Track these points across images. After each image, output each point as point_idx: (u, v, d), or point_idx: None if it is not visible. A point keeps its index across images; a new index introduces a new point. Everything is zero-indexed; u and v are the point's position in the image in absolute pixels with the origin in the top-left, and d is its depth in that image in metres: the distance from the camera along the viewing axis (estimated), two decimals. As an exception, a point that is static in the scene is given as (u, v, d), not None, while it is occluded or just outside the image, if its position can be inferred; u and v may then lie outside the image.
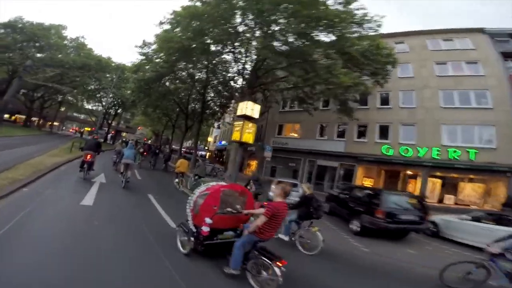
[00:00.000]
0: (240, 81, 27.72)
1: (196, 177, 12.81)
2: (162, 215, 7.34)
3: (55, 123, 66.99)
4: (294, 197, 8.58)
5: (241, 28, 14.65)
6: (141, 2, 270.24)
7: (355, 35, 14.46)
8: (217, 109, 29.34)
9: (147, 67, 21.49)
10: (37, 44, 35.74)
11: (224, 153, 42.24)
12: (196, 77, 24.19)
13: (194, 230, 4.39)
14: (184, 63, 20.77)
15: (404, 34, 22.96)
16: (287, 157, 24.95)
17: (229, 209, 4.53)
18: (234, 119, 33.50)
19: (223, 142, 43.83)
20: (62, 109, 63.25)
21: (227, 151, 40.63)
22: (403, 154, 19.69)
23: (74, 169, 11.07)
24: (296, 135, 25.66)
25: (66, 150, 16.52)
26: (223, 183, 5.24)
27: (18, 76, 20.83)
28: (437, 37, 21.64)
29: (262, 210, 4.07)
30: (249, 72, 18.94)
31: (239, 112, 15.08)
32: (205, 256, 4.46)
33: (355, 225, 9.15)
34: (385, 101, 21.44)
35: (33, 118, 52.18)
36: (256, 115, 15.01)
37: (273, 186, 10.91)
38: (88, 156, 9.57)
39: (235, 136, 14.97)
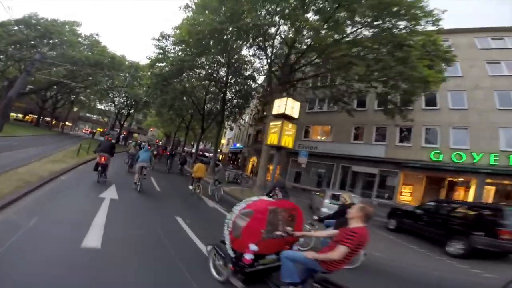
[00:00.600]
0: (260, 80, 25.43)
1: (216, 182, 11.55)
2: (185, 229, 5.97)
3: (68, 123, 65.83)
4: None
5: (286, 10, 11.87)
6: (146, 2, 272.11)
7: (414, 27, 11.79)
8: (236, 109, 26.77)
9: (163, 63, 19.16)
10: (50, 42, 33.91)
11: (239, 156, 39.50)
12: (215, 75, 21.66)
13: (233, 255, 3.60)
14: (205, 57, 18.35)
15: (449, 31, 20.03)
16: (316, 162, 22.11)
17: (279, 233, 3.67)
18: (253, 120, 31.31)
19: (238, 145, 41.19)
20: (75, 109, 61.82)
21: (242, 154, 37.98)
22: (455, 160, 16.85)
23: (79, 180, 8.93)
24: (326, 138, 22.76)
25: (72, 153, 13.92)
26: (266, 199, 4.10)
27: (25, 71, 18.60)
28: (484, 36, 19.15)
29: (331, 232, 3.44)
30: (277, 67, 16.33)
31: (275, 111, 12.43)
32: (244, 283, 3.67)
33: (454, 247, 7.90)
34: (431, 101, 18.53)
35: (47, 118, 50.85)
36: (296, 114, 12.38)
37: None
38: (103, 159, 8.81)
39: (272, 139, 12.31)
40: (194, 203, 9.68)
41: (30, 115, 49.83)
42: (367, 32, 12.69)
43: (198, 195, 10.53)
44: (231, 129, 48.84)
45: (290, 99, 12.25)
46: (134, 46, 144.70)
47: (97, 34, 38.05)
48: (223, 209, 9.04)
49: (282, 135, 11.85)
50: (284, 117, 12.03)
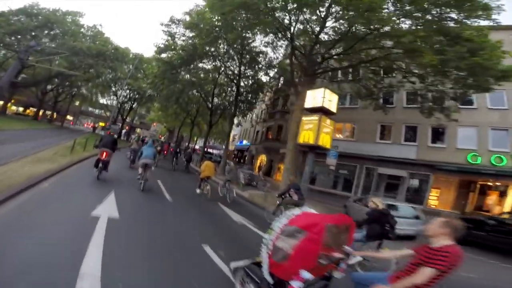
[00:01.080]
0: (271, 73, 23.23)
1: (228, 183, 10.68)
2: (221, 267, 4.08)
3: (69, 117, 63.78)
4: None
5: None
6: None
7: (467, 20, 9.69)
8: (246, 104, 24.73)
9: (171, 52, 17.09)
10: (51, 32, 31.71)
11: (246, 154, 37.45)
12: (227, 65, 19.57)
13: (271, 281, 2.81)
14: (216, 46, 16.31)
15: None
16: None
17: (338, 255, 2.77)
18: (262, 116, 29.30)
19: (245, 142, 39.14)
20: (77, 103, 59.69)
21: (249, 151, 35.96)
22: (494, 163, 14.91)
23: (68, 187, 6.92)
24: (348, 137, 20.69)
25: (66, 150, 11.71)
26: (311, 211, 3.05)
27: (17, 58, 16.50)
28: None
29: (405, 252, 2.81)
30: (300, 56, 14.23)
31: (309, 104, 10.44)
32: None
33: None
34: (467, 100, 16.45)
35: (48, 112, 48.76)
36: (334, 108, 10.36)
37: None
38: (104, 154, 8.18)
39: (305, 137, 10.33)
40: (215, 216, 7.79)
41: (31, 108, 47.82)
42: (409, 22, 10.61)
43: (206, 196, 9.46)
44: (238, 125, 46.83)
45: (327, 90, 10.24)
46: (137, 42, 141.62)
47: (100, 25, 35.96)
48: (255, 227, 7.14)
49: (319, 133, 9.80)
50: (321, 111, 9.99)
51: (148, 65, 30.78)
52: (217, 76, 23.69)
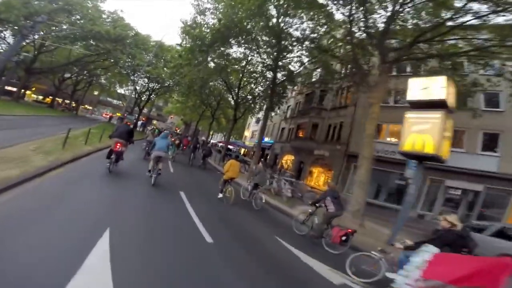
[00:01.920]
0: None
1: (254, 187, 9.14)
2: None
3: (88, 107, 62.42)
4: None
5: None
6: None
7: None
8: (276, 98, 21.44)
9: (198, 30, 13.93)
10: (72, 18, 29.01)
11: (268, 152, 34.10)
12: (262, 49, 16.21)
13: None
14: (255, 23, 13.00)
15: None
16: (388, 171, 16.63)
17: None
18: (293, 113, 25.74)
19: (267, 139, 35.73)
20: (95, 92, 57.98)
21: (272, 150, 32.61)
22: None
23: (35, 211, 3.81)
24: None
25: (54, 145, 8.40)
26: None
27: (20, 34, 13.82)
28: None
29: None
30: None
31: (415, 96, 6.98)
32: None
33: None
34: None
35: (66, 101, 47.12)
36: (452, 100, 6.78)
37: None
38: (118, 145, 7.17)
39: (416, 142, 6.86)
40: (261, 243, 5.45)
41: (50, 97, 46.59)
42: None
43: (228, 200, 8.01)
44: (258, 121, 43.58)
45: (443, 78, 6.72)
46: (160, 31, 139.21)
47: (121, 10, 33.35)
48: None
49: (441, 137, 6.38)
50: (441, 107, 6.54)
51: (170, 52, 27.89)
52: (245, 64, 20.49)
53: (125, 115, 24.34)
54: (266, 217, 7.91)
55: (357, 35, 11.70)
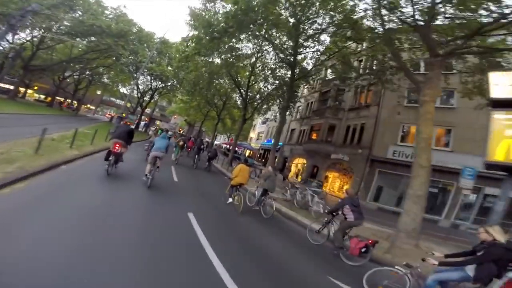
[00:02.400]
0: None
1: (262, 194, 7.98)
2: None
3: (91, 106, 60.91)
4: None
5: None
6: None
7: None
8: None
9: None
10: (74, 14, 27.16)
11: (276, 155, 32.07)
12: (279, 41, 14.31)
13: None
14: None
15: None
16: None
17: None
18: (307, 113, 23.58)
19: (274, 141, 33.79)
20: (98, 92, 56.32)
21: (281, 152, 30.57)
22: None
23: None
24: (440, 145, 15.03)
25: (33, 148, 6.49)
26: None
27: (7, 24, 12.06)
28: None
29: None
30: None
31: (499, 94, 5.16)
32: None
33: None
34: None
35: (68, 100, 45.52)
36: None
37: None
38: (117, 146, 6.67)
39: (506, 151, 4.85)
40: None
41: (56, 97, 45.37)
42: None
43: (237, 208, 7.25)
44: (265, 122, 41.63)
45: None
46: (163, 29, 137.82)
47: (124, 6, 31.40)
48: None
49: None
50: None
51: (174, 48, 26.05)
52: (255, 59, 18.68)
53: (125, 115, 22.50)
54: (278, 228, 7.01)
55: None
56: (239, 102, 30.64)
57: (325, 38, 15.85)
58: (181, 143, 14.50)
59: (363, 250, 5.05)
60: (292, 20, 12.43)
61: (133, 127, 9.24)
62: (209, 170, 14.69)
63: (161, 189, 7.12)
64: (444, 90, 14.18)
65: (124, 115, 35.24)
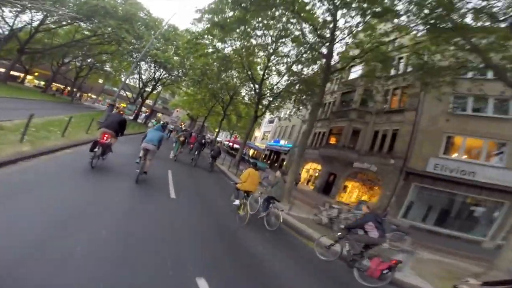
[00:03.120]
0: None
1: (267, 200, 6.94)
2: None
3: (92, 96, 58.34)
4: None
5: None
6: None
7: None
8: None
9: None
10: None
11: (284, 158, 29.59)
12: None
13: None
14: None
15: None
16: (459, 194, 12.67)
17: None
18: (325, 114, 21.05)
19: (283, 142, 31.26)
20: (100, 81, 53.52)
21: (289, 155, 28.04)
22: None
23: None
24: (491, 160, 12.61)
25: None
26: None
27: None
28: None
29: None
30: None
31: None
32: None
33: None
34: None
35: (68, 88, 42.96)
36: None
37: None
38: (105, 137, 5.90)
39: None
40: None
41: (53, 83, 42.97)
42: None
43: (242, 219, 6.08)
44: (272, 121, 39.03)
45: None
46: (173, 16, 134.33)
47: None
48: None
49: None
50: None
51: (182, 37, 23.41)
52: (273, 50, 16.21)
53: (124, 105, 19.94)
54: (286, 244, 6.03)
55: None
56: (246, 98, 28.08)
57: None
58: (181, 138, 12.53)
59: (384, 271, 4.50)
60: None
61: (125, 117, 7.89)
62: (211, 170, 13.19)
63: (151, 189, 6.18)
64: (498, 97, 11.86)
65: (123, 105, 32.73)
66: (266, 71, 18.05)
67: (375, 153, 16.22)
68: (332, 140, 19.81)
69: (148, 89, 33.95)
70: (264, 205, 7.01)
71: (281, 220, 6.52)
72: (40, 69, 39.28)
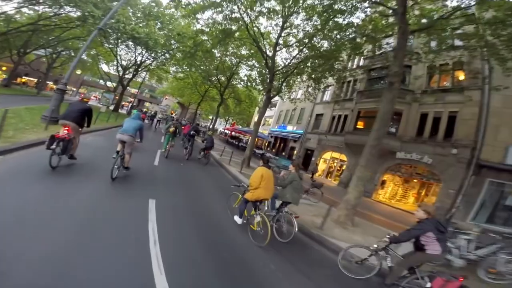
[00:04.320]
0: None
1: (283, 206, 5.17)
2: None
3: (73, 88, 52.23)
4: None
5: None
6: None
7: None
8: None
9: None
10: None
11: (295, 146, 25.87)
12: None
13: None
14: None
15: None
16: None
17: None
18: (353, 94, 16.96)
19: (290, 128, 27.42)
20: (78, 71, 47.30)
21: (300, 142, 24.30)
22: None
23: None
24: None
25: None
26: None
27: None
28: None
29: None
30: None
31: None
32: None
33: None
34: None
35: (33, 79, 37.36)
36: None
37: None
38: (66, 130, 4.92)
39: None
40: None
41: (25, 77, 38.59)
42: None
43: (256, 235, 4.43)
44: (273, 105, 34.68)
45: None
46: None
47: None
48: None
49: None
50: None
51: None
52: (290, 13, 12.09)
53: (65, 87, 15.47)
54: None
55: None
56: (251, 78, 23.77)
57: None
58: (172, 129, 10.13)
59: None
60: None
61: (90, 105, 5.87)
62: (206, 162, 11.24)
63: (128, 189, 4.99)
64: None
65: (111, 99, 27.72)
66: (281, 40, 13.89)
67: (425, 140, 12.66)
68: (360, 125, 16.13)
69: (130, 76, 28.70)
70: (272, 205, 5.59)
71: (297, 229, 4.71)
72: (4, 63, 33.80)
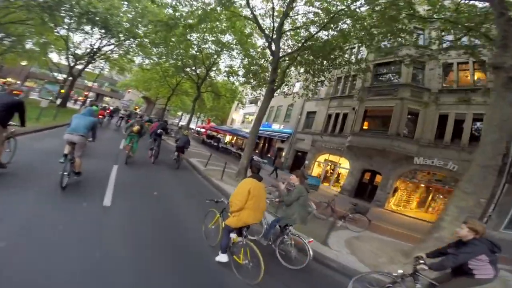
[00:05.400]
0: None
1: (286, 227, 4.11)
2: None
3: (17, 81, 43.43)
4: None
5: None
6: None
7: None
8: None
9: None
10: None
11: (282, 147, 23.75)
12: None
13: None
14: None
15: None
16: None
17: None
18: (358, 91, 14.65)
19: (276, 126, 25.20)
20: (24, 63, 39.04)
21: (289, 142, 22.15)
22: None
23: None
24: None
25: None
26: None
27: None
28: None
29: None
30: None
31: None
32: None
33: None
34: None
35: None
36: None
37: None
38: None
39: None
40: None
41: None
42: None
43: (252, 277, 3.07)
44: (255, 101, 31.90)
45: None
46: None
47: None
48: None
49: None
50: None
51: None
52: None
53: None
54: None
55: None
56: (227, 70, 20.77)
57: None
58: (136, 127, 8.36)
59: None
60: None
61: (20, 97, 4.97)
62: (178, 166, 9.58)
63: (78, 197, 4.33)
64: None
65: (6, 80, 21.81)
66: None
67: (447, 145, 11.30)
68: (366, 125, 14.45)
69: (80, 67, 23.31)
70: (272, 225, 4.16)
71: (311, 257, 3.67)
72: None
